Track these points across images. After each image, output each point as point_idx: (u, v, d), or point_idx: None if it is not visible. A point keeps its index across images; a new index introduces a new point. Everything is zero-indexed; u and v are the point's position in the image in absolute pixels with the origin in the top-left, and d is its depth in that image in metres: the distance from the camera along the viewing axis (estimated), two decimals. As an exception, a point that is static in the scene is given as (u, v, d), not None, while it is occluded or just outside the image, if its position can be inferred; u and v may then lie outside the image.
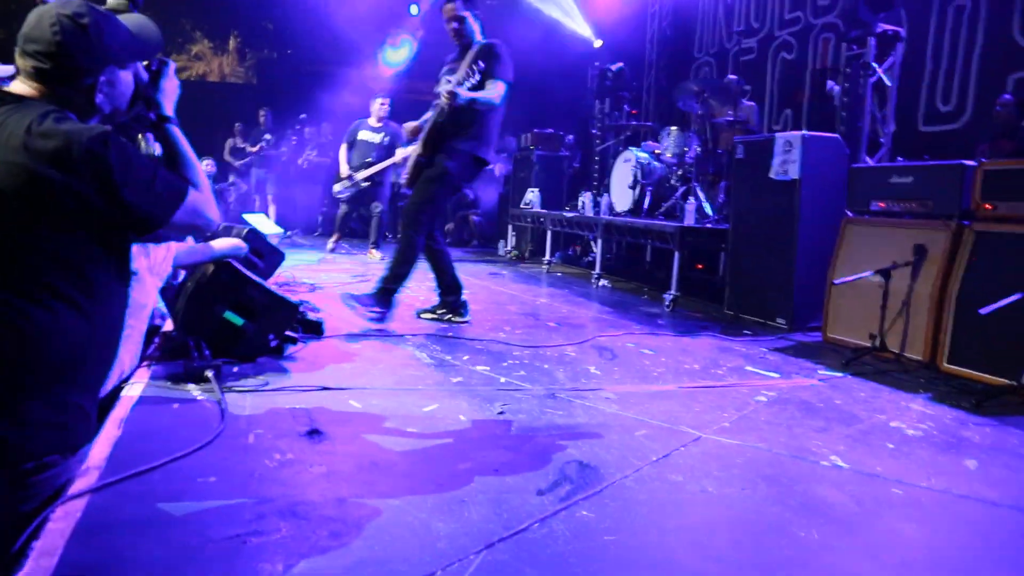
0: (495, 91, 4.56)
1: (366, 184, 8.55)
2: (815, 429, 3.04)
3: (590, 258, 8.61)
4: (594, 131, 9.93)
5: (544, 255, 8.79)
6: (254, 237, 6.00)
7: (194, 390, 3.06)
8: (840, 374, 4.08)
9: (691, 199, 6.77)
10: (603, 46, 11.08)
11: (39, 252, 1.71)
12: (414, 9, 13.86)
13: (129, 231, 1.87)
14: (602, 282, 7.32)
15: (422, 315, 5.05)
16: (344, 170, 8.63)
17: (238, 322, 3.55)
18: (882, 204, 4.80)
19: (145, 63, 2.14)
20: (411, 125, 4.96)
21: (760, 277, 5.60)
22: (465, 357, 3.97)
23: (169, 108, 2.15)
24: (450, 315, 4.98)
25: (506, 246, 9.88)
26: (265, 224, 8.40)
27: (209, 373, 3.17)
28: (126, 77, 2.01)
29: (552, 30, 13.12)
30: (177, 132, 2.11)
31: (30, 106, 1.77)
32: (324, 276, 6.71)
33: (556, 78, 12.20)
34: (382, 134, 8.65)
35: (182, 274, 3.79)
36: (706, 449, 2.73)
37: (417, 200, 4.72)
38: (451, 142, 4.69)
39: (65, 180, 1.68)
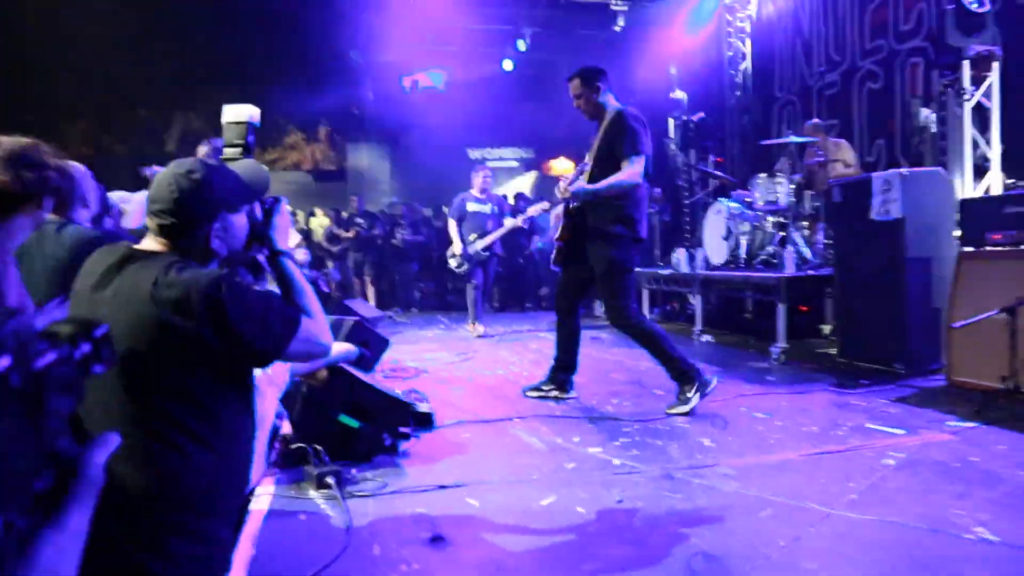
0: (629, 171, 4.38)
1: (485, 254, 8.51)
2: (953, 495, 2.87)
3: (689, 312, 8.47)
4: (680, 183, 9.87)
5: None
6: (360, 328, 6.24)
7: (317, 498, 3.17)
8: (972, 424, 3.84)
9: (789, 246, 6.61)
10: (680, 93, 11.08)
11: (169, 394, 1.82)
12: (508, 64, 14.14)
13: (248, 365, 1.98)
14: (704, 337, 7.19)
15: (528, 393, 5.05)
16: (458, 245, 8.50)
17: (354, 425, 3.67)
18: (998, 236, 4.56)
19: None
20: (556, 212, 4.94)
21: (872, 322, 5.38)
22: (576, 438, 3.95)
23: (282, 242, 2.29)
24: (556, 391, 4.96)
25: (603, 307, 9.84)
26: (366, 309, 8.70)
27: (330, 480, 3.27)
28: (239, 220, 2.15)
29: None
30: (290, 264, 2.24)
31: (156, 260, 1.92)
32: (428, 357, 6.84)
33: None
34: (489, 204, 8.54)
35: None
36: (837, 528, 2.61)
37: (610, 302, 4.66)
38: (604, 227, 4.53)
39: (187, 325, 1.80)
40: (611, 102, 4.64)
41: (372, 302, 11.69)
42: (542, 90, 17.51)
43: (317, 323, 2.11)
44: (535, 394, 5.02)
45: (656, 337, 4.55)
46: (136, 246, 2.00)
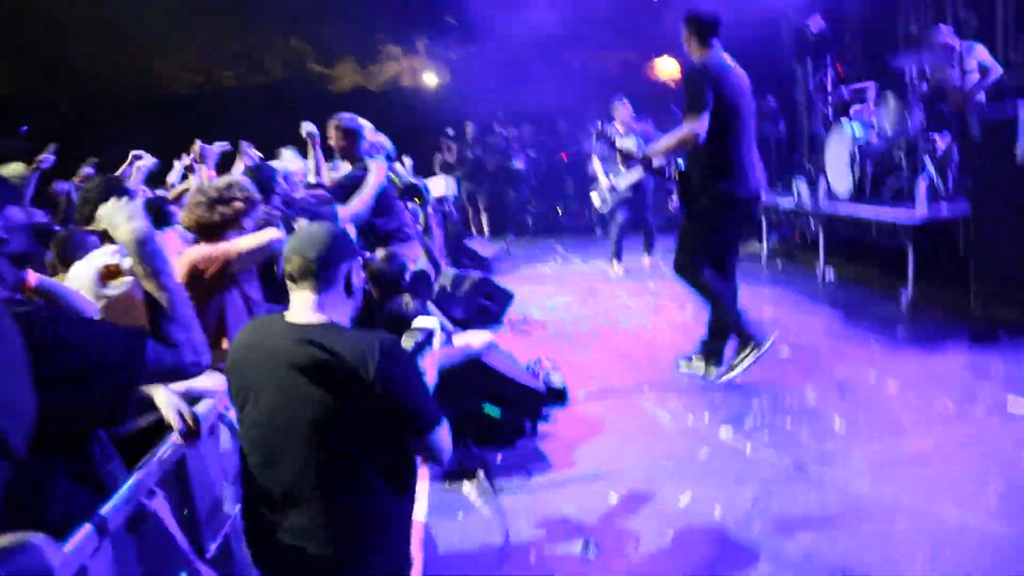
0: (682, 130, 4.26)
1: (627, 195, 8.15)
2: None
3: (810, 241, 8.25)
4: (798, 97, 9.41)
5: (759, 239, 8.59)
6: (484, 283, 6.52)
7: (470, 493, 3.49)
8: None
9: (920, 177, 6.31)
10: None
11: (360, 453, 2.05)
12: None
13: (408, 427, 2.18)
14: (827, 273, 7.06)
15: (682, 366, 4.91)
16: (604, 181, 8.19)
17: (496, 414, 3.95)
18: None
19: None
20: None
21: (1014, 267, 5.16)
22: (705, 415, 4.11)
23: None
24: (706, 367, 4.77)
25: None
26: (483, 247, 8.95)
27: (481, 473, 3.59)
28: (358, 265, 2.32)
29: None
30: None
31: (315, 332, 2.08)
32: (550, 304, 7.05)
33: (746, 35, 11.62)
34: (634, 138, 7.84)
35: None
36: (973, 543, 2.70)
37: (681, 249, 4.64)
38: (698, 178, 4.46)
39: (365, 393, 2.01)
40: (696, 52, 4.42)
41: (485, 229, 11.96)
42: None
43: (446, 429, 2.24)
44: (686, 367, 4.86)
45: (720, 296, 4.56)
46: (290, 317, 2.14)
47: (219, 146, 5.11)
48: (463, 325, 6.08)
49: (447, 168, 12.37)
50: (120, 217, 1.79)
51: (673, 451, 3.74)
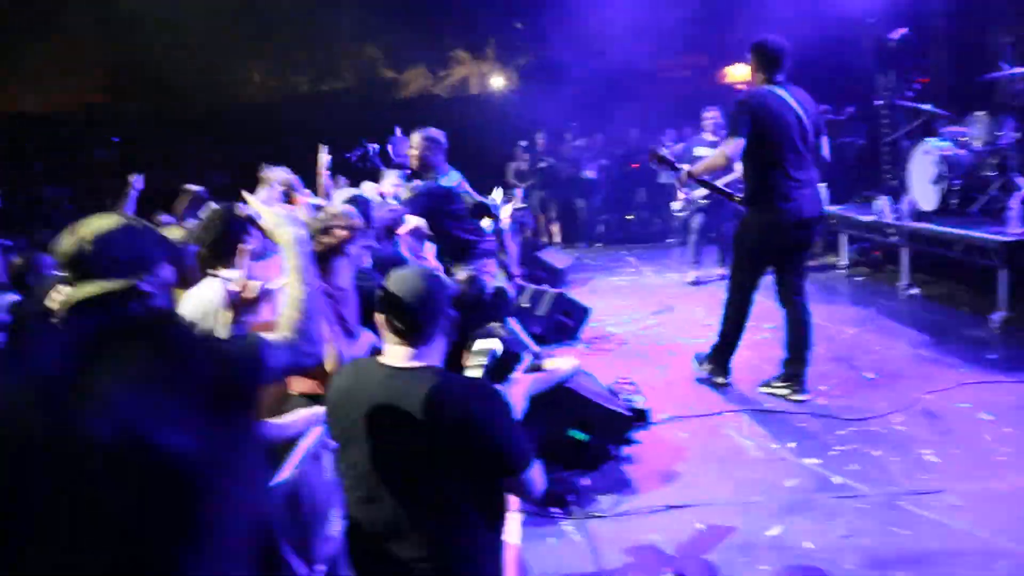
0: (715, 153, 4.76)
1: (704, 202, 8.22)
2: None
3: (891, 256, 8.09)
4: (879, 108, 9.20)
5: (836, 254, 8.45)
6: (562, 299, 6.60)
7: (560, 518, 3.58)
8: None
9: (1014, 195, 6.14)
10: (880, 5, 10.15)
11: (456, 492, 2.16)
12: None
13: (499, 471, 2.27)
14: (911, 291, 6.92)
15: (761, 389, 4.93)
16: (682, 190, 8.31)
17: (583, 438, 4.03)
18: None
19: None
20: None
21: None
22: (791, 444, 4.11)
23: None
24: (787, 392, 4.77)
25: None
26: (557, 258, 9.04)
27: (570, 499, 3.69)
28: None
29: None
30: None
31: (412, 376, 2.17)
32: (625, 319, 7.10)
33: (825, 44, 11.43)
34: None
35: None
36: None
37: (732, 263, 5.04)
38: (745, 202, 4.80)
39: (459, 437, 2.11)
40: (753, 79, 4.78)
41: (557, 238, 12.04)
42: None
43: (538, 469, 2.32)
44: (766, 390, 4.89)
45: (732, 320, 4.96)
46: (386, 360, 2.22)
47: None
48: (541, 341, 6.18)
49: (520, 176, 12.49)
50: (282, 221, 2.07)
51: (759, 480, 3.76)
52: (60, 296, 1.85)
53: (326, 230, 3.22)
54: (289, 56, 23.26)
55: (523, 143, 12.46)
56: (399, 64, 24.68)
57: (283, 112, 20.42)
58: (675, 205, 8.85)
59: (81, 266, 1.79)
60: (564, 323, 6.55)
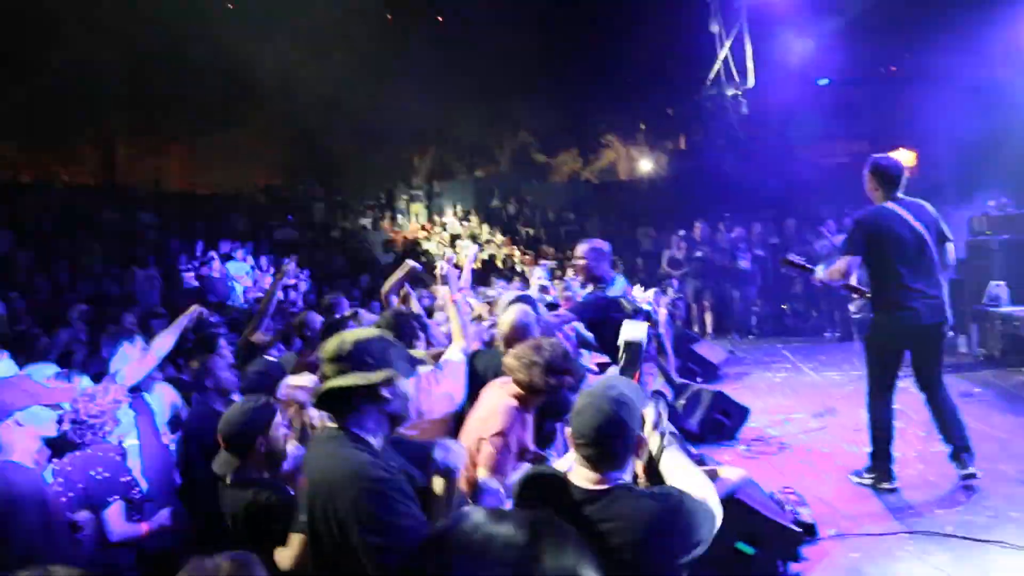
0: (833, 267, 5.06)
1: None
2: None
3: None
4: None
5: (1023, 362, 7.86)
6: (722, 399, 6.54)
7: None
8: None
9: None
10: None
11: None
12: None
13: None
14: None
15: (853, 479, 5.28)
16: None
17: (749, 551, 3.95)
18: None
19: None
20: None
21: None
22: (978, 580, 3.85)
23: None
24: (961, 470, 5.01)
25: (969, 345, 8.98)
26: (711, 351, 8.93)
27: (736, 615, 3.61)
28: None
29: (989, 81, 11.80)
30: None
31: (605, 500, 2.21)
32: (784, 421, 6.89)
33: (999, 137, 10.94)
34: None
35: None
36: None
37: (867, 365, 5.36)
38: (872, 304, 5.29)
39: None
40: (871, 196, 5.06)
41: (709, 329, 11.90)
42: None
43: None
44: (856, 480, 5.28)
45: (881, 427, 5.24)
46: (573, 479, 2.25)
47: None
48: (698, 441, 6.13)
49: (675, 264, 12.51)
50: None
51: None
52: (307, 383, 2.25)
53: (556, 371, 3.16)
54: (448, 141, 24.68)
55: (681, 232, 12.51)
56: (549, 149, 25.58)
57: (444, 191, 21.67)
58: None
59: (339, 361, 2.13)
60: (722, 423, 6.46)
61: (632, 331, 2.68)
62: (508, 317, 3.91)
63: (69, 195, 15.21)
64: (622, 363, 2.58)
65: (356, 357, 2.13)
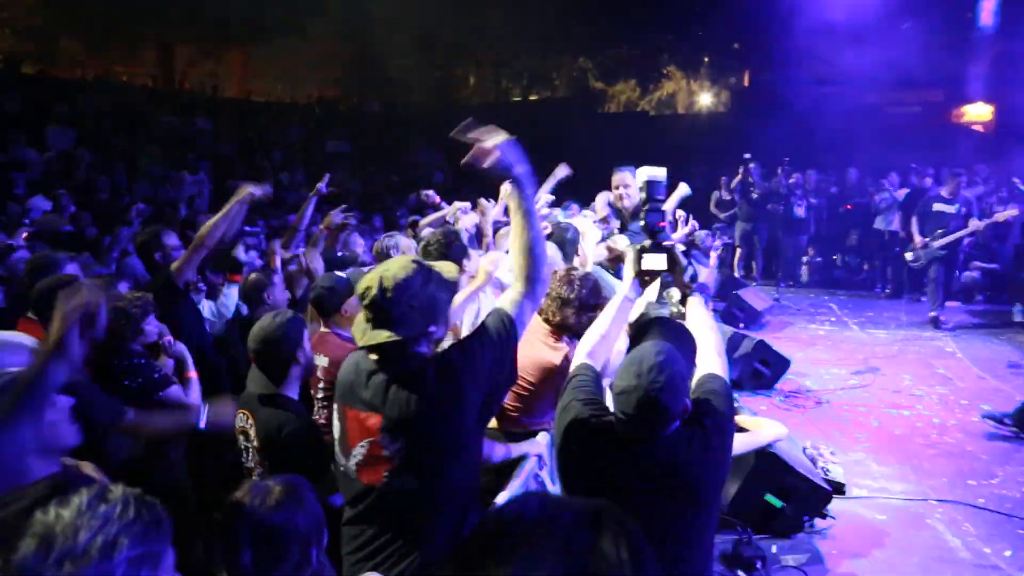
0: None
1: (942, 252, 8.60)
2: None
3: None
4: None
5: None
6: (762, 347, 6.49)
7: (747, 583, 3.58)
8: None
9: None
10: None
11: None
12: None
13: None
14: None
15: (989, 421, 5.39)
16: (918, 239, 8.81)
17: (778, 504, 3.99)
18: None
19: None
20: None
21: None
22: (1008, 552, 3.84)
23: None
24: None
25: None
26: (757, 299, 8.82)
27: (757, 564, 3.67)
28: None
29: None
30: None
31: None
32: (825, 375, 6.83)
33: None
34: (956, 205, 8.67)
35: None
36: None
37: None
38: None
39: None
40: None
41: (755, 273, 11.73)
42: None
43: None
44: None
45: None
46: None
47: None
48: (736, 387, 6.12)
49: (723, 206, 12.26)
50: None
51: (966, 587, 3.56)
52: (358, 332, 2.14)
53: (589, 307, 3.05)
54: (504, 63, 24.23)
55: (725, 177, 12.19)
56: (608, 77, 24.95)
57: (495, 116, 21.27)
58: (909, 255, 8.99)
59: (380, 313, 2.06)
60: (761, 372, 6.43)
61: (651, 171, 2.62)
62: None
63: (128, 95, 15.38)
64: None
65: (397, 306, 2.03)
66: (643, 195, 2.57)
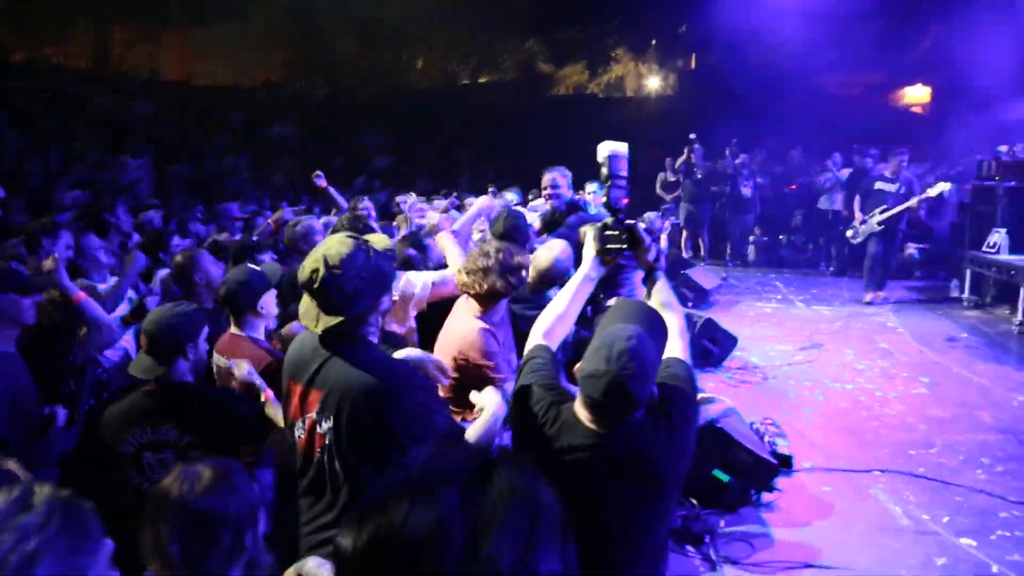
0: None
1: (879, 228, 8.77)
2: None
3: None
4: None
5: (1013, 310, 7.87)
6: (711, 326, 6.56)
7: (694, 556, 3.62)
8: None
9: None
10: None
11: None
12: None
13: None
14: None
15: None
16: (859, 216, 9.04)
17: (724, 479, 4.03)
18: None
19: None
20: None
21: None
22: (945, 519, 3.94)
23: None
24: None
25: (962, 290, 8.97)
26: (704, 278, 8.93)
27: (706, 538, 3.71)
28: None
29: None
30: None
31: None
32: (770, 352, 6.94)
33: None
34: (897, 184, 8.76)
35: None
36: None
37: None
38: None
39: None
40: None
41: (703, 252, 11.87)
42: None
43: None
44: None
45: None
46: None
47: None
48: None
49: (668, 188, 12.36)
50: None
51: (906, 552, 3.64)
52: (309, 319, 2.09)
53: (511, 270, 3.10)
54: (457, 48, 23.97)
55: (670, 159, 12.28)
56: (557, 60, 24.87)
57: (443, 100, 21.12)
58: (849, 233, 9.21)
59: (332, 292, 2.03)
60: (710, 349, 6.50)
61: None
62: (549, 254, 3.74)
63: (61, 78, 14.82)
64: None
65: (346, 284, 2.03)
66: (604, 171, 2.51)
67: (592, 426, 2.00)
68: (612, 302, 2.52)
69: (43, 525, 1.13)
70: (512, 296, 3.29)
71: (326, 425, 2.06)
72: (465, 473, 0.97)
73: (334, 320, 2.05)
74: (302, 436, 2.14)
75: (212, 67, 20.74)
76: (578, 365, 2.05)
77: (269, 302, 3.13)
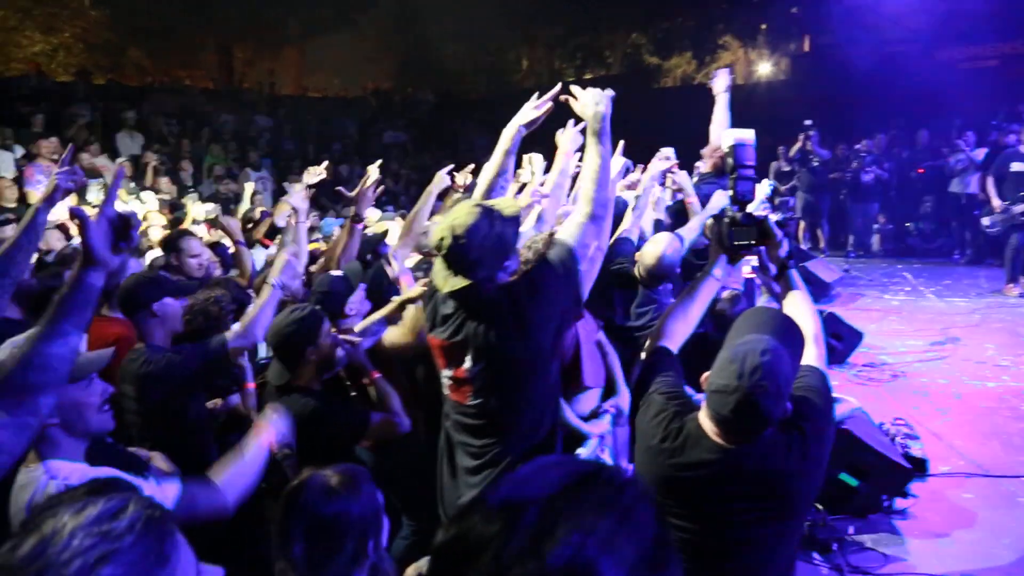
0: None
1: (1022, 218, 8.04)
2: None
3: None
4: None
5: None
6: (833, 321, 6.27)
7: (820, 563, 3.45)
8: None
9: None
10: None
11: None
12: None
13: None
14: None
15: None
16: (996, 203, 8.28)
17: (853, 483, 3.83)
18: None
19: None
20: None
21: None
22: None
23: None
24: None
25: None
26: (826, 270, 8.53)
27: (834, 546, 3.53)
28: None
29: None
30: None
31: None
32: (900, 347, 6.55)
33: None
34: None
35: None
36: None
37: None
38: None
39: None
40: None
41: (822, 244, 11.36)
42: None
43: None
44: None
45: None
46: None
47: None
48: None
49: (782, 177, 11.88)
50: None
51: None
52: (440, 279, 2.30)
53: None
54: (556, 43, 23.95)
55: (783, 147, 11.78)
56: (663, 51, 24.40)
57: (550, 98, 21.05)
58: (985, 221, 8.47)
59: (458, 259, 2.22)
60: (832, 346, 6.19)
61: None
62: (655, 250, 3.67)
63: (191, 98, 15.74)
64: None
65: (471, 250, 2.22)
66: (730, 161, 2.40)
67: (719, 440, 1.90)
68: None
69: (120, 536, 1.12)
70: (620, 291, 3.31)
71: (475, 370, 2.33)
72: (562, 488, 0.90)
73: (459, 284, 2.24)
74: (449, 384, 2.43)
75: (326, 79, 21.61)
76: (705, 375, 1.96)
77: (356, 301, 3.25)
